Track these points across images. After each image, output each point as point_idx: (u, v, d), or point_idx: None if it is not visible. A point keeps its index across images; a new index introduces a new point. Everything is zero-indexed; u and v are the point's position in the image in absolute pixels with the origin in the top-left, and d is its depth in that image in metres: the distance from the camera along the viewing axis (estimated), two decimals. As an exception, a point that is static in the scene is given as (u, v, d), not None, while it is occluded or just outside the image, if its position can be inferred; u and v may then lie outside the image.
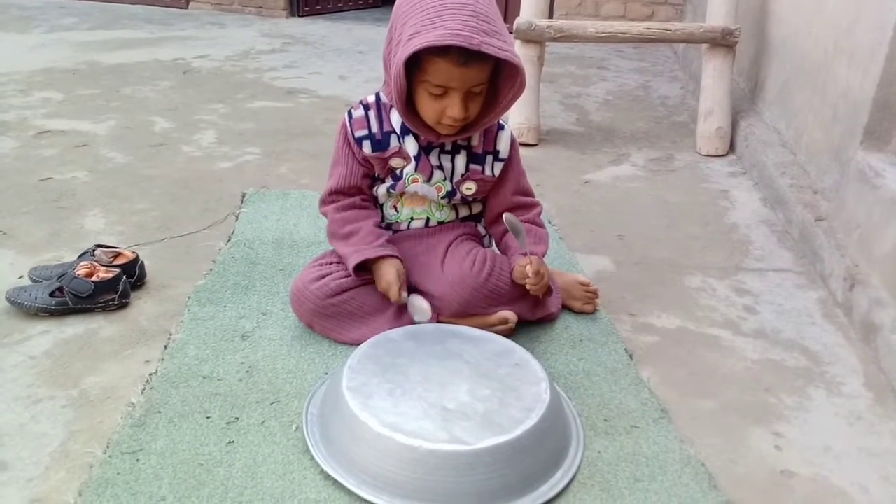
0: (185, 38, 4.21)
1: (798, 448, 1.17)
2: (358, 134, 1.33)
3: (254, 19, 4.93)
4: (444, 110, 1.21)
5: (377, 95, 1.34)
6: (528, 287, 1.31)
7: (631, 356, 1.38)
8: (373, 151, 1.33)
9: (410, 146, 1.32)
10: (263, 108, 2.92)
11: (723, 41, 2.58)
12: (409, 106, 1.25)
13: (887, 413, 1.27)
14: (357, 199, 1.38)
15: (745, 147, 2.48)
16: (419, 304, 1.34)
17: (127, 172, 2.18)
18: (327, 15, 5.23)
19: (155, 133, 2.56)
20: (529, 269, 1.28)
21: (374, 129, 1.32)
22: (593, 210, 2.09)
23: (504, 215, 1.29)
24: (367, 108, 1.34)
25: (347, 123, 1.34)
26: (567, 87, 3.47)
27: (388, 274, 1.31)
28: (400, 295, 1.31)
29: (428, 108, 1.23)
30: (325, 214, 1.41)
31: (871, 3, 1.78)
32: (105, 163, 2.25)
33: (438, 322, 1.38)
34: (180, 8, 5.15)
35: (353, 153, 1.35)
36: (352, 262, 1.33)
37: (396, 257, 1.33)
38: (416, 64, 1.19)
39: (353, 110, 1.34)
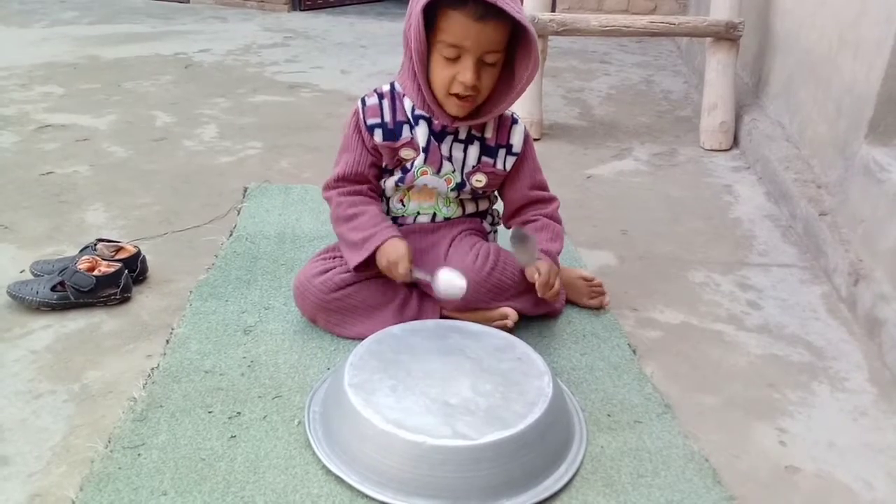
0: (186, 32, 4.20)
1: (802, 444, 1.17)
2: (370, 122, 1.32)
3: (255, 13, 4.92)
4: (456, 76, 1.20)
5: (392, 85, 1.34)
6: (537, 286, 1.29)
7: (634, 351, 1.37)
8: (384, 140, 1.32)
9: (421, 134, 1.31)
10: (265, 102, 2.91)
11: (726, 35, 2.56)
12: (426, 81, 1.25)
13: (892, 408, 1.26)
14: (364, 188, 1.37)
15: (749, 141, 2.47)
16: (450, 279, 1.24)
17: (128, 167, 2.18)
18: (329, 9, 5.22)
19: (156, 127, 2.55)
20: (537, 281, 1.27)
21: (387, 118, 1.32)
22: (596, 205, 2.08)
23: (512, 231, 1.27)
24: (381, 96, 1.33)
25: (360, 111, 1.33)
26: (570, 82, 3.45)
27: (397, 248, 1.27)
28: (410, 270, 1.26)
29: (440, 75, 1.22)
30: (328, 200, 1.39)
31: (877, -4, 1.77)
32: (106, 157, 2.25)
33: (442, 316, 1.37)
34: (181, 2, 5.14)
35: (363, 141, 1.34)
36: (359, 256, 1.30)
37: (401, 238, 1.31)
38: (433, 26, 1.18)
39: (366, 98, 1.34)
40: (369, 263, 1.32)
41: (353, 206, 1.34)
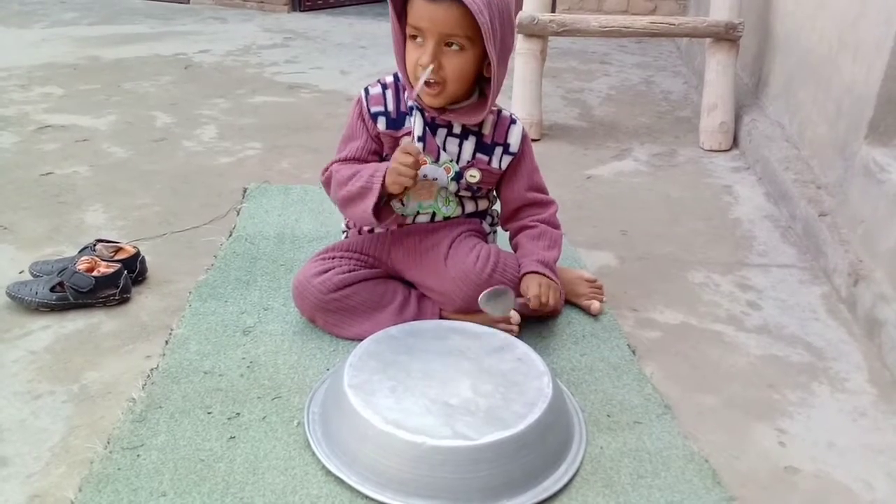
0: (186, 32, 4.20)
1: (802, 444, 1.17)
2: (374, 109, 1.33)
3: (255, 14, 4.92)
4: (418, 61, 1.23)
5: (395, 76, 1.35)
6: (531, 308, 1.31)
7: (634, 352, 1.37)
8: (387, 129, 1.33)
9: (416, 123, 1.32)
10: (265, 102, 2.91)
11: (726, 35, 2.56)
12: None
13: (891, 409, 1.26)
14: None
15: (749, 142, 2.47)
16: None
17: (128, 167, 2.18)
18: (329, 10, 5.22)
19: (156, 128, 2.55)
20: (530, 303, 1.30)
21: (391, 107, 1.33)
22: (596, 205, 2.08)
23: (482, 295, 1.25)
24: (384, 87, 1.34)
25: (364, 99, 1.34)
26: (569, 82, 3.45)
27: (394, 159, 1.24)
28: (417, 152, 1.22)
29: (408, 60, 1.26)
30: (325, 182, 1.37)
31: (876, -4, 1.77)
32: (106, 158, 2.25)
33: (441, 317, 1.37)
34: (181, 3, 5.14)
35: (367, 129, 1.34)
36: (370, 200, 1.25)
37: None
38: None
39: (370, 87, 1.35)
40: (384, 213, 1.29)
41: (351, 168, 1.31)
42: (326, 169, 1.37)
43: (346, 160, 1.35)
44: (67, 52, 3.58)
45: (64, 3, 4.90)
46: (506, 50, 1.25)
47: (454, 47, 1.22)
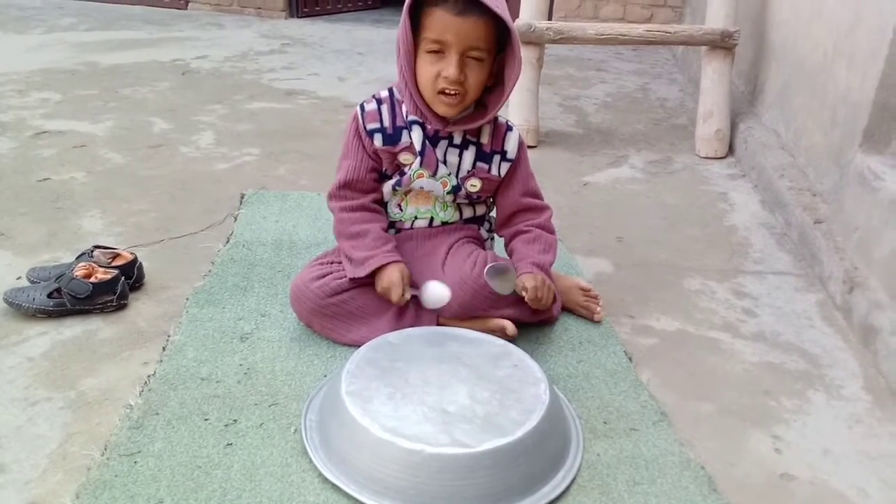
0: (183, 38, 4.20)
1: (797, 451, 1.17)
2: (370, 127, 1.33)
3: (253, 20, 4.92)
4: (440, 72, 1.22)
5: (390, 91, 1.35)
6: (527, 301, 1.32)
7: (630, 358, 1.38)
8: (384, 145, 1.34)
9: (416, 137, 1.32)
10: (262, 109, 2.91)
11: (722, 43, 2.58)
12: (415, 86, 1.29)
13: (886, 416, 1.27)
14: (367, 200, 1.38)
15: (744, 149, 2.48)
16: (437, 290, 1.30)
17: (125, 173, 2.18)
18: (326, 16, 5.23)
19: (153, 134, 2.55)
20: (526, 295, 1.30)
21: (386, 123, 1.34)
22: (592, 212, 2.09)
23: (487, 269, 1.29)
24: (379, 102, 1.35)
25: (360, 116, 1.34)
26: (566, 89, 3.47)
27: (392, 275, 1.30)
28: (402, 295, 1.30)
29: (425, 72, 1.25)
30: (332, 210, 1.40)
31: (871, 5, 1.79)
32: (103, 163, 2.24)
33: (439, 324, 1.38)
34: (179, 9, 5.15)
35: (364, 146, 1.35)
36: (358, 272, 1.32)
37: (401, 261, 1.34)
38: (419, 27, 1.23)
39: (365, 104, 1.35)
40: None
41: (356, 224, 1.35)
42: (331, 195, 1.39)
43: (348, 186, 1.37)
44: (65, 57, 3.58)
45: (62, 9, 4.90)
46: None
47: (475, 59, 1.23)
